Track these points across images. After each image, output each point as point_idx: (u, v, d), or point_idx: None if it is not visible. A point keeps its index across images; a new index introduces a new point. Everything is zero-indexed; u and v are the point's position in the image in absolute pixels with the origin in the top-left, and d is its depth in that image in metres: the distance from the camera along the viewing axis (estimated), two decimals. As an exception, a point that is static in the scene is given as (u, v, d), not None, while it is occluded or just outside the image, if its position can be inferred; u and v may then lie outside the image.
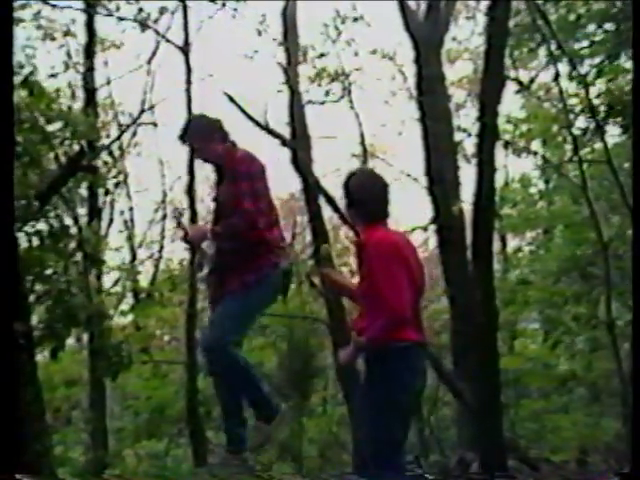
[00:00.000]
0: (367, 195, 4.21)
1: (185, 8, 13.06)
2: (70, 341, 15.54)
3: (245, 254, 4.71)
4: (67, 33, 13.56)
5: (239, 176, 4.68)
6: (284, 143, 12.43)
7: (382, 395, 4.07)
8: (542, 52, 13.50)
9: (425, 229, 13.08)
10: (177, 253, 19.97)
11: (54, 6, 13.12)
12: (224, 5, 13.23)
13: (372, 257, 4.08)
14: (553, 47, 11.72)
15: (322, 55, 16.05)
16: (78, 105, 13.81)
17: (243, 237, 4.70)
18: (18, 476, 3.72)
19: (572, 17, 12.30)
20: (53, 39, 13.59)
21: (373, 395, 4.12)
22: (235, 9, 13.33)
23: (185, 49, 12.89)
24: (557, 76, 11.63)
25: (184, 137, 4.94)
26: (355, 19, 15.53)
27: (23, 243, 7.99)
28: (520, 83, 13.71)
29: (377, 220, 4.21)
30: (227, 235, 4.75)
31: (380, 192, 4.27)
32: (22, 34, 12.69)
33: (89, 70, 13.75)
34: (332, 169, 20.47)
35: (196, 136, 4.90)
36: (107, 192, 13.99)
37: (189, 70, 12.63)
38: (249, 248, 4.72)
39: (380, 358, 4.07)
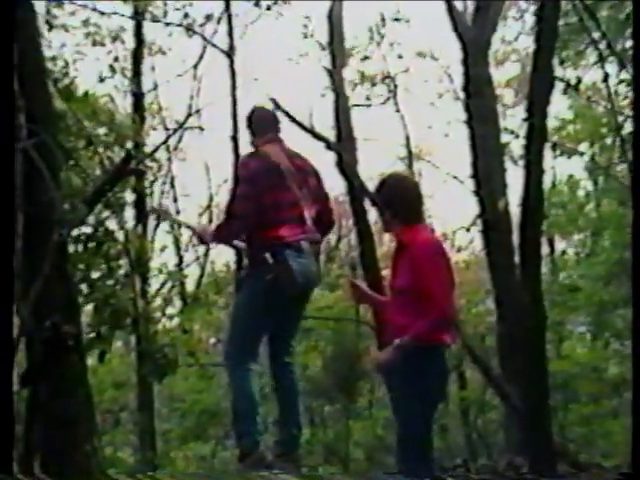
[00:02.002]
0: (405, 196, 4.33)
1: (229, 13, 13.15)
2: (118, 344, 15.72)
3: (248, 253, 4.86)
4: (115, 39, 13.74)
5: (238, 179, 4.80)
6: (329, 146, 12.43)
7: (414, 394, 4.12)
8: (591, 52, 13.32)
9: (468, 230, 13.01)
10: (222, 256, 20.08)
11: (103, 13, 13.29)
12: (269, 8, 13.28)
13: (421, 257, 4.15)
14: (602, 47, 11.55)
15: (366, 58, 16.05)
16: (125, 109, 14.00)
17: (232, 239, 4.93)
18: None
19: (622, 16, 12.11)
20: (102, 45, 13.77)
21: (405, 393, 4.16)
22: (280, 12, 13.38)
23: (230, 53, 12.97)
24: (606, 77, 11.46)
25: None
26: (397, 19, 15.49)
27: (70, 247, 8.09)
28: (568, 84, 13.52)
29: (417, 221, 4.30)
30: (220, 238, 5.00)
31: (416, 193, 4.40)
32: (71, 40, 12.88)
33: (136, 75, 13.91)
34: (377, 172, 20.49)
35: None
36: (153, 196, 14.10)
37: (234, 74, 12.70)
38: (248, 246, 4.85)
39: (415, 356, 4.09)
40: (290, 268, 4.67)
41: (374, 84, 16.24)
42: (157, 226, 19.07)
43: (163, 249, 16.53)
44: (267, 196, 4.74)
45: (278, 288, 4.67)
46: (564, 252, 19.47)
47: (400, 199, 4.31)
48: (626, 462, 13.48)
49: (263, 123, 5.04)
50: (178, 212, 20.47)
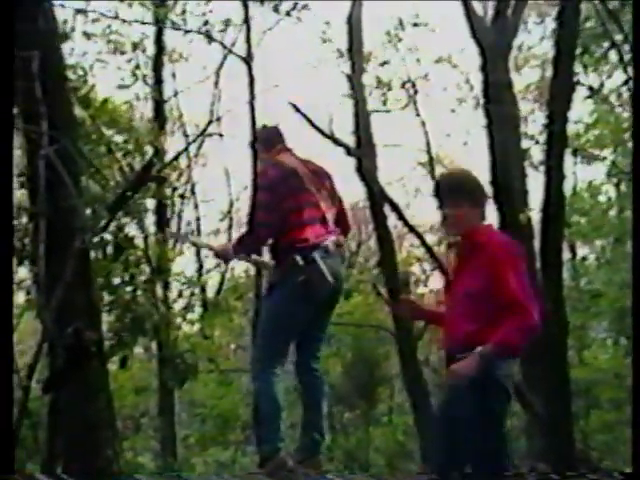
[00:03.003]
0: (484, 191, 4.11)
1: (247, 18, 13.17)
2: (139, 350, 15.77)
3: (275, 259, 4.84)
4: (136, 47, 13.81)
5: (258, 188, 4.75)
6: (349, 152, 12.43)
7: (494, 408, 3.83)
8: (613, 56, 13.23)
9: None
10: (242, 262, 20.08)
11: (124, 21, 13.37)
12: (288, 14, 13.29)
13: (501, 258, 3.86)
14: (624, 50, 11.47)
15: (385, 63, 16.05)
16: (146, 117, 14.08)
17: (258, 248, 4.89)
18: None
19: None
20: (123, 53, 13.84)
21: (485, 407, 3.80)
22: (299, 17, 13.39)
23: (248, 60, 12.98)
24: (628, 81, 11.39)
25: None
26: (415, 25, 15.47)
27: (91, 253, 8.14)
28: (590, 88, 13.44)
29: (485, 219, 4.08)
30: (244, 249, 4.89)
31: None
32: (93, 48, 12.97)
33: (157, 82, 13.99)
34: (397, 177, 20.49)
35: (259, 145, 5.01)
36: (173, 202, 14.17)
37: (252, 80, 12.71)
38: (274, 253, 4.83)
39: (494, 367, 3.77)
40: (321, 268, 4.65)
41: (389, 89, 16.20)
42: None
43: (181, 254, 16.62)
44: (288, 200, 4.76)
45: (309, 292, 4.66)
46: (584, 258, 19.34)
47: (482, 192, 4.06)
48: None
49: (270, 139, 5.06)
50: (198, 219, 20.55)
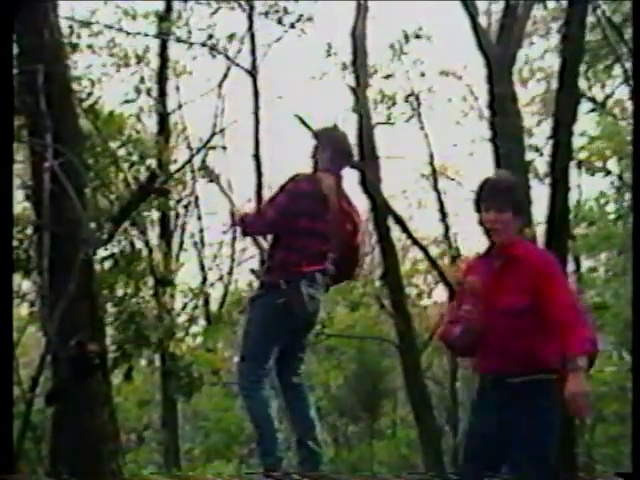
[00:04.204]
0: (526, 200, 3.97)
1: (252, 31, 13.22)
2: (142, 363, 15.75)
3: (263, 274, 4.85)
4: (140, 60, 13.84)
5: (283, 189, 4.74)
6: (352, 164, 12.43)
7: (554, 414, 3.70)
8: (618, 69, 13.26)
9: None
10: (245, 275, 20.08)
11: (128, 33, 13.41)
12: (292, 26, 13.33)
13: (545, 272, 3.69)
14: (628, 64, 11.50)
15: (389, 76, 16.07)
16: (151, 129, 14.10)
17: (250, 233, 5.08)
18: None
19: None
20: (127, 66, 13.87)
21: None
22: (302, 30, 13.42)
23: (253, 72, 13.04)
24: (632, 94, 11.41)
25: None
26: (418, 37, 15.50)
27: (95, 265, 8.13)
28: (594, 101, 13.46)
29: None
30: (243, 226, 4.93)
31: None
32: (97, 61, 13.00)
33: (161, 95, 14.02)
34: (401, 190, 20.47)
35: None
36: (177, 215, 14.18)
37: (256, 93, 12.75)
38: (267, 267, 4.82)
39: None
40: (302, 295, 4.68)
41: (394, 103, 16.23)
42: (181, 244, 19.18)
43: (183, 264, 16.61)
44: (302, 219, 4.70)
45: (288, 311, 4.68)
46: (594, 269, 19.28)
47: (526, 204, 3.94)
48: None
49: (339, 155, 4.90)
50: (202, 231, 20.57)
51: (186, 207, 16.63)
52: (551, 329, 3.62)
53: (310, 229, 4.73)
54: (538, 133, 17.80)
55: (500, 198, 3.72)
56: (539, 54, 18.14)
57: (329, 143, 4.92)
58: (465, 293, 3.77)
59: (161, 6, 13.47)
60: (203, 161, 5.68)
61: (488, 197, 3.75)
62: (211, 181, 5.26)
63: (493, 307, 3.66)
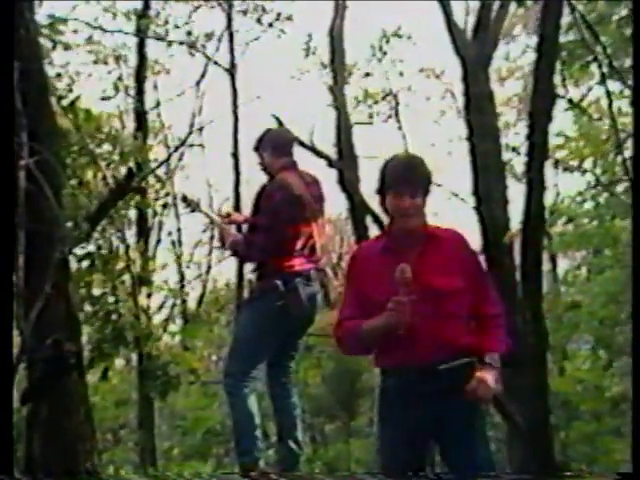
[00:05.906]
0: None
1: (231, 30, 13.20)
2: (119, 362, 15.68)
3: (258, 277, 4.88)
4: (118, 58, 13.77)
5: (259, 209, 4.79)
6: (331, 163, 12.47)
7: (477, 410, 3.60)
8: (594, 69, 13.34)
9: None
10: (223, 274, 20.06)
11: (106, 31, 13.34)
12: (271, 25, 13.33)
13: (468, 252, 3.63)
14: (604, 64, 11.58)
15: (368, 75, 16.10)
16: (128, 128, 14.03)
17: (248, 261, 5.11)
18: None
19: (628, 32, 12.10)
20: (105, 63, 13.79)
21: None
22: (282, 29, 13.43)
23: (231, 71, 13.02)
24: (608, 94, 11.48)
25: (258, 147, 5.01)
26: (398, 36, 15.54)
27: (72, 264, 8.09)
28: (570, 101, 13.53)
29: None
30: (237, 254, 5.03)
31: None
32: (75, 59, 12.91)
33: (139, 93, 13.96)
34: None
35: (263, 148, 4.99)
36: (155, 213, 14.13)
37: (235, 92, 12.73)
38: (259, 271, 4.86)
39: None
40: (300, 296, 4.72)
41: (376, 102, 16.27)
42: (158, 243, 19.11)
43: (164, 267, 16.55)
44: (287, 229, 4.74)
45: (286, 313, 4.71)
46: (571, 269, 19.40)
47: (431, 180, 3.58)
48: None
49: (283, 146, 4.96)
50: (179, 229, 20.51)
51: (164, 206, 16.57)
52: (478, 319, 3.54)
53: (296, 231, 4.78)
54: (515, 132, 17.93)
55: (414, 183, 3.51)
56: (518, 53, 18.24)
57: (266, 143, 4.97)
58: (386, 283, 3.43)
59: (139, 5, 13.43)
60: (183, 194, 5.64)
61: (401, 182, 3.52)
62: (193, 211, 5.29)
63: (426, 290, 3.41)
